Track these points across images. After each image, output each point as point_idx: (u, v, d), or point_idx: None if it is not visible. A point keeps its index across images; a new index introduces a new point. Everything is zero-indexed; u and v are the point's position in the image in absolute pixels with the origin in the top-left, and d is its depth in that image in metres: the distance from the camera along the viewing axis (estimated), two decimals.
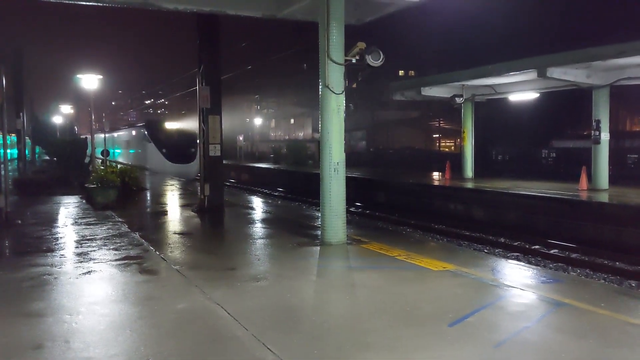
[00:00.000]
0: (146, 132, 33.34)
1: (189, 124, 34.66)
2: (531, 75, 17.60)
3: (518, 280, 7.07)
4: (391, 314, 5.80)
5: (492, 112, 27.15)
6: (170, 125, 34.59)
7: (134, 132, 39.07)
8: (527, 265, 8.47)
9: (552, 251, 13.46)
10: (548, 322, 5.55)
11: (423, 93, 22.27)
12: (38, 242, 9.96)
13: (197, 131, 15.60)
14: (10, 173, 19.44)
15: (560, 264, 12.43)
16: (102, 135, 38.98)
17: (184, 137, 32.01)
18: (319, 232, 9.78)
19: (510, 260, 8.91)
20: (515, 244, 14.41)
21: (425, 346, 4.93)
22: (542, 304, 6.13)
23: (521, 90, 20.38)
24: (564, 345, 4.95)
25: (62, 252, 9.06)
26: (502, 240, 14.91)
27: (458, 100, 21.67)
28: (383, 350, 4.83)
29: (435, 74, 25.64)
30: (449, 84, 21.44)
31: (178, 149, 31.07)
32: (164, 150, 31.53)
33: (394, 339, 5.09)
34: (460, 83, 20.94)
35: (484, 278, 7.20)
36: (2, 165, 12.71)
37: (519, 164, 26.10)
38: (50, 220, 12.59)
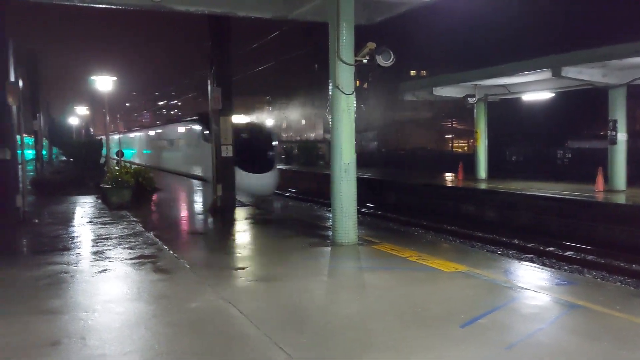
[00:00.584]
0: (203, 129, 23.65)
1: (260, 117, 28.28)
2: (545, 74, 17.47)
3: (531, 282, 7.05)
4: (402, 315, 5.82)
5: (505, 112, 27.03)
6: (239, 118, 24.97)
7: (180, 130, 29.83)
8: (541, 267, 8.44)
9: (566, 253, 13.35)
10: (562, 324, 5.54)
11: (435, 93, 22.21)
12: (55, 241, 10.12)
13: (273, 127, 14.45)
14: (29, 173, 19.71)
15: (575, 266, 12.34)
16: (117, 136, 38.85)
17: (260, 136, 23.03)
18: (330, 233, 9.83)
19: (524, 262, 8.89)
20: (529, 245, 14.33)
21: (435, 347, 4.95)
22: (556, 306, 6.12)
23: (535, 89, 20.24)
24: (577, 347, 4.94)
25: (78, 250, 9.21)
26: (516, 241, 14.84)
27: (470, 100, 21.58)
28: (392, 351, 4.87)
29: (448, 74, 25.52)
30: (461, 84, 21.37)
31: (253, 152, 21.42)
32: (238, 157, 22.77)
33: (404, 339, 5.12)
34: (472, 83, 20.86)
35: (497, 280, 7.20)
36: (20, 166, 12.91)
37: (533, 164, 25.90)
38: (67, 220, 12.77)
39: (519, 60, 17.96)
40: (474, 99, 21.63)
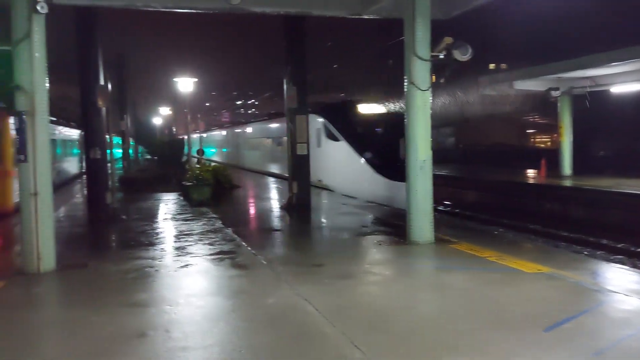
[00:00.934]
0: (327, 123, 19.19)
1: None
2: (637, 65, 16.38)
3: (621, 285, 6.63)
4: (481, 317, 5.65)
5: (591, 105, 25.52)
6: (369, 107, 19.43)
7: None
8: (632, 269, 7.90)
9: None
10: None
11: (516, 87, 21.41)
12: (141, 236, 10.65)
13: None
14: (117, 172, 20.88)
15: None
16: (201, 135, 39.76)
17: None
18: (404, 231, 9.70)
19: (612, 264, 8.40)
20: (619, 246, 13.50)
21: (518, 352, 4.75)
22: None
23: (625, 81, 19.02)
24: None
25: (162, 246, 9.64)
26: (604, 242, 14.03)
27: (554, 93, 20.62)
28: (473, 354, 4.74)
29: (529, 67, 24.48)
30: (543, 77, 20.45)
31: (393, 151, 15.66)
32: (366, 156, 17.37)
33: (484, 342, 4.97)
34: (556, 76, 19.90)
35: (583, 282, 6.83)
36: (109, 165, 13.69)
37: (622, 160, 24.35)
38: (151, 216, 13.42)
39: (605, 50, 16.93)
40: (558, 92, 20.65)
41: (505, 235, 14.06)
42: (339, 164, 18.27)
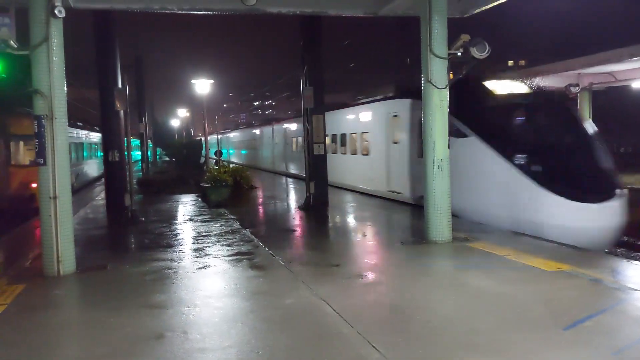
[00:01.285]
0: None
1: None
2: None
3: (639, 283, 6.53)
4: (499, 316, 5.60)
5: (612, 101, 25.09)
6: (512, 86, 13.35)
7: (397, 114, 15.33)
8: None
9: None
10: None
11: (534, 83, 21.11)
12: (159, 238, 10.74)
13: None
14: (135, 174, 21.09)
15: None
16: (216, 136, 39.96)
17: (570, 120, 12.22)
18: (422, 230, 9.64)
19: (633, 262, 8.21)
20: None
21: (537, 350, 4.70)
22: None
23: None
24: None
25: (180, 247, 9.70)
26: (625, 239, 13.77)
27: (573, 89, 20.30)
28: (491, 353, 4.69)
29: (548, 63, 24.12)
30: (562, 73, 20.15)
31: (570, 154, 10.92)
32: (536, 164, 10.60)
33: (503, 341, 4.92)
34: (575, 71, 19.60)
35: (603, 280, 6.72)
36: (127, 167, 13.82)
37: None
38: (170, 218, 13.52)
39: (624, 45, 16.61)
40: (577, 88, 20.33)
41: (522, 234, 13.87)
42: (469, 172, 11.44)
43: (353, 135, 18.55)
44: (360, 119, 17.98)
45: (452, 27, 9.47)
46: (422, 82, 9.44)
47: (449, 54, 9.27)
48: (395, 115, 15.05)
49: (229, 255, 8.80)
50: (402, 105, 14.59)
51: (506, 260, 7.92)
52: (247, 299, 6.46)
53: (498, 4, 10.37)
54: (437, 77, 9.23)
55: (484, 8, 10.72)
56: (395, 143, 15.01)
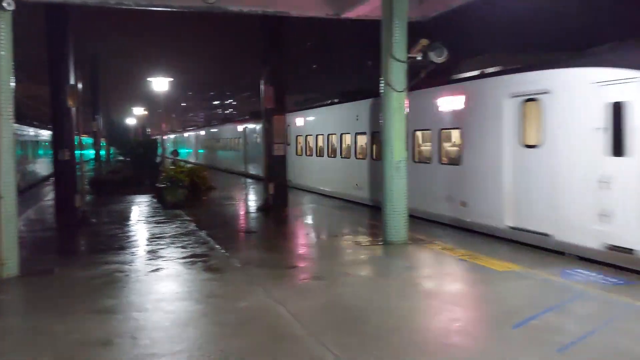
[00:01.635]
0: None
1: None
2: None
3: (588, 282, 6.70)
4: (453, 316, 5.65)
5: None
6: None
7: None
8: (599, 267, 7.93)
9: None
10: (617, 325, 5.27)
11: None
12: (110, 240, 10.41)
13: None
14: (87, 173, 20.47)
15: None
16: (174, 136, 39.18)
17: None
18: (380, 232, 9.66)
19: (581, 262, 8.42)
20: None
21: (486, 349, 4.78)
22: (612, 306, 5.81)
23: None
24: (632, 350, 4.69)
25: (132, 250, 9.42)
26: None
27: None
28: (443, 352, 4.73)
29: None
30: None
31: None
32: None
33: (456, 340, 4.96)
34: None
35: (552, 279, 6.88)
36: (78, 166, 13.38)
37: None
38: (123, 219, 13.15)
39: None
40: None
41: (479, 234, 14.11)
42: None
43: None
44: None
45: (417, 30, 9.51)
46: (382, 85, 9.47)
47: (409, 58, 9.32)
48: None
49: (183, 258, 8.60)
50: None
51: (461, 261, 8.02)
52: (200, 302, 6.31)
53: (457, 7, 10.53)
54: (396, 80, 9.26)
55: (443, 11, 10.89)
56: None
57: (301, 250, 9.47)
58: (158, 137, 29.08)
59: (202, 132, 44.02)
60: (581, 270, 7.31)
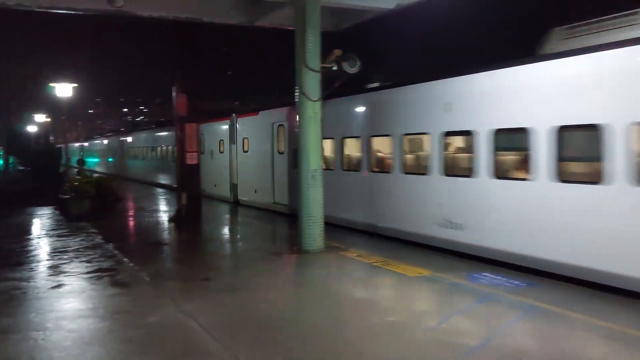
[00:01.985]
0: None
1: None
2: None
3: (493, 285, 7.02)
4: (368, 322, 5.72)
5: None
6: None
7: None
8: (504, 270, 8.37)
9: None
10: (521, 326, 5.55)
11: None
12: (8, 255, 9.65)
13: None
14: None
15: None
16: (80, 144, 37.33)
17: None
18: (296, 241, 9.65)
19: (489, 265, 8.84)
20: None
21: (398, 354, 4.86)
22: (517, 308, 6.09)
23: None
24: (536, 349, 4.94)
25: (31, 265, 8.79)
26: None
27: None
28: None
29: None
30: None
31: None
32: None
33: (369, 347, 5.01)
34: None
35: (460, 283, 7.15)
36: None
37: None
38: (22, 232, 12.26)
39: None
40: None
41: (392, 242, 14.48)
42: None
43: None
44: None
45: (333, 41, 9.61)
46: (297, 94, 9.50)
47: (323, 67, 9.41)
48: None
49: (87, 273, 8.13)
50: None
51: (374, 267, 8.16)
52: (105, 319, 5.97)
53: (368, 19, 10.81)
54: (311, 89, 9.32)
55: (354, 23, 11.14)
56: (281, 153, 14.59)
57: (215, 262, 9.25)
58: (63, 145, 27.56)
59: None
60: (487, 274, 7.65)
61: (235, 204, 17.11)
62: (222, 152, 18.52)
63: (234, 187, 17.62)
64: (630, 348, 4.93)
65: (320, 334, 5.43)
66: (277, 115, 14.76)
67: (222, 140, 18.57)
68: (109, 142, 42.87)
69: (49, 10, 10.24)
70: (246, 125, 16.99)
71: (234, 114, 17.96)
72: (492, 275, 7.54)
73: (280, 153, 14.58)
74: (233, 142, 17.70)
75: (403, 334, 5.34)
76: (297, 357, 4.81)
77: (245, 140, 16.86)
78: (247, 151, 16.76)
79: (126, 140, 35.55)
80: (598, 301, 6.34)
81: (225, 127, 18.30)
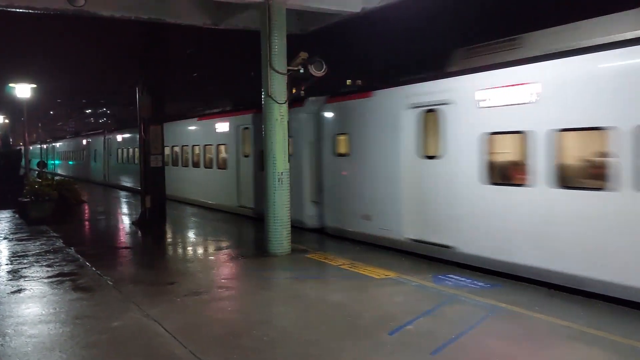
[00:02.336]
0: None
1: None
2: None
3: (458, 286, 7.16)
4: (332, 325, 5.75)
5: None
6: None
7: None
8: (470, 271, 8.54)
9: None
10: (485, 327, 5.66)
11: None
12: None
13: None
14: None
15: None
16: (40, 146, 36.36)
17: None
18: (263, 244, 9.63)
19: (454, 267, 8.99)
20: None
21: (365, 356, 4.91)
22: (481, 309, 6.21)
23: None
24: (500, 349, 5.06)
25: None
26: None
27: None
28: None
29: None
30: None
31: None
32: None
33: (334, 350, 5.04)
34: None
35: (426, 285, 7.26)
36: None
37: None
38: None
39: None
40: None
41: (358, 244, 14.57)
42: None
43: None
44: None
45: (303, 43, 9.64)
46: (263, 97, 9.49)
47: (289, 70, 9.43)
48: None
49: (48, 277, 7.95)
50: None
51: (341, 270, 8.21)
52: (67, 324, 5.85)
53: (333, 23, 10.89)
54: (277, 92, 9.33)
55: (320, 26, 11.19)
56: (246, 156, 14.51)
57: (180, 266, 9.15)
58: (22, 147, 26.81)
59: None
60: (452, 276, 7.79)
61: (199, 207, 16.92)
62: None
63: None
64: (589, 346, 5.10)
65: (287, 337, 5.43)
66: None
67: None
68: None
69: (7, 10, 9.96)
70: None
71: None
72: (457, 277, 7.68)
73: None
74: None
75: (370, 337, 5.38)
76: None
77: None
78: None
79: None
80: (559, 301, 6.53)
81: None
